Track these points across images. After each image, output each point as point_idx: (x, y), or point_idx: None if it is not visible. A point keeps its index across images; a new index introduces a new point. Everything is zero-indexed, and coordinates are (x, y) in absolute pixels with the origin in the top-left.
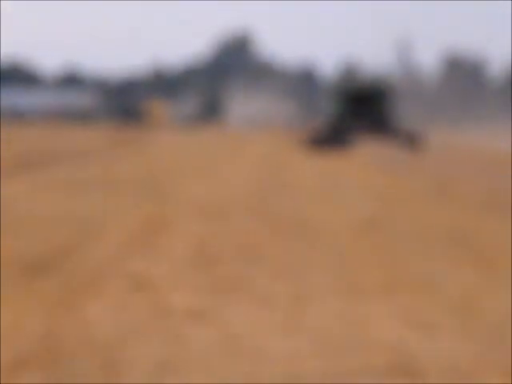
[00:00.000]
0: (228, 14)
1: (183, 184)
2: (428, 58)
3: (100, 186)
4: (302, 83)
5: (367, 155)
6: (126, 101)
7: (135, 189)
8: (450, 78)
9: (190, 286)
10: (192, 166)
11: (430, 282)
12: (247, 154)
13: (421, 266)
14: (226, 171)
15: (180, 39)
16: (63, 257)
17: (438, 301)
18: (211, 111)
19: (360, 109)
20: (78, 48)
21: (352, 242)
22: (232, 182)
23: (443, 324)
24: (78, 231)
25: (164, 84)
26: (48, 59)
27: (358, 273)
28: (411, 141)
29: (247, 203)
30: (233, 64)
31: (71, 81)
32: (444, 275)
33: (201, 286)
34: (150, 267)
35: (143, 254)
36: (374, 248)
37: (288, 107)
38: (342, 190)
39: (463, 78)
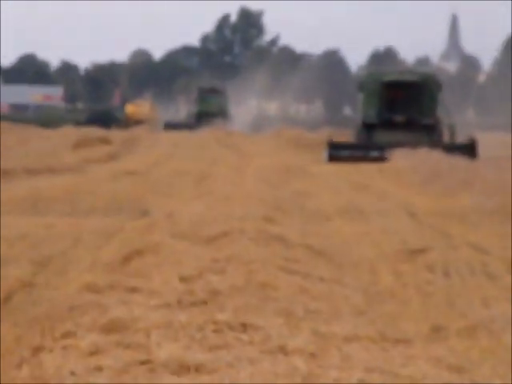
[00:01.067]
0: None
1: (173, 201)
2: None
3: (68, 202)
4: (327, 76)
5: (410, 166)
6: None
7: (118, 206)
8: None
9: (180, 337)
10: (185, 181)
11: (486, 327)
12: (252, 169)
13: (475, 310)
14: (224, 189)
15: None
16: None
17: (491, 348)
18: (211, 112)
19: (399, 105)
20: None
21: (390, 279)
22: (232, 205)
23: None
24: (43, 264)
25: (153, 77)
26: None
27: (396, 317)
28: (465, 148)
29: (253, 227)
30: (239, 49)
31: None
32: (504, 319)
33: (193, 337)
34: (130, 305)
35: (123, 285)
36: (418, 287)
37: (310, 106)
38: (375, 211)
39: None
